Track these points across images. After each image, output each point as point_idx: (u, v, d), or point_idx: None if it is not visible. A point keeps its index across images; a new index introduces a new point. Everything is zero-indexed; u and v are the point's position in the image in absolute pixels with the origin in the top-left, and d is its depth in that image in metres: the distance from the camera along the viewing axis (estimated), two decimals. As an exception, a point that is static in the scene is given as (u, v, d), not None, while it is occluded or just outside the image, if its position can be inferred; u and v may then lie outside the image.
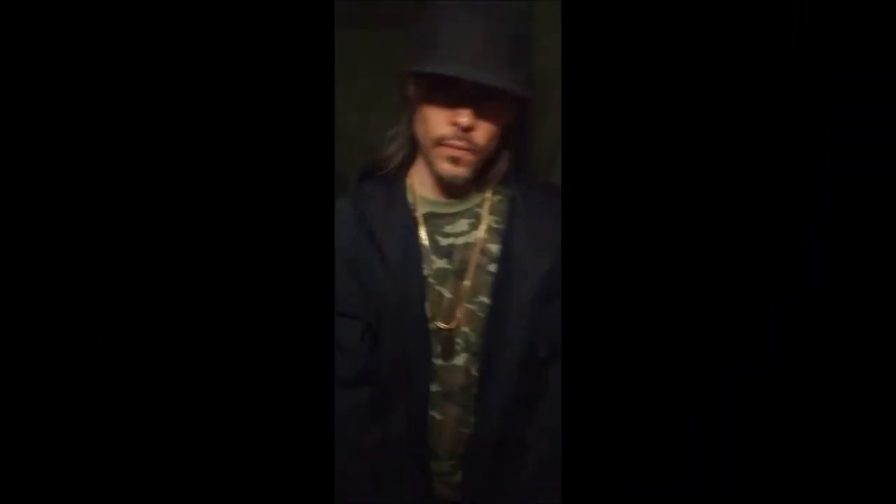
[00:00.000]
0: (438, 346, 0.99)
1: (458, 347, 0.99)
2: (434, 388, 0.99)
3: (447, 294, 0.99)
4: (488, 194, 1.04)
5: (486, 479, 0.99)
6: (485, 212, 1.03)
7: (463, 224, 1.02)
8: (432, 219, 1.02)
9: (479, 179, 1.02)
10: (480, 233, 1.01)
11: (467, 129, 0.93)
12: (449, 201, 1.03)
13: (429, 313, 0.98)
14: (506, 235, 1.01)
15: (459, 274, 1.00)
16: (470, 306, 0.99)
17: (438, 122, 0.95)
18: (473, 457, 0.99)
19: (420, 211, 1.02)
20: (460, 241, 1.01)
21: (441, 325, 0.98)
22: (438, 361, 0.99)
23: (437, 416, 0.99)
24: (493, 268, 1.00)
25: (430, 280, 1.00)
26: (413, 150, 1.03)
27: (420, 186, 1.03)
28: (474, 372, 0.99)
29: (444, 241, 1.01)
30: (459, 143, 0.94)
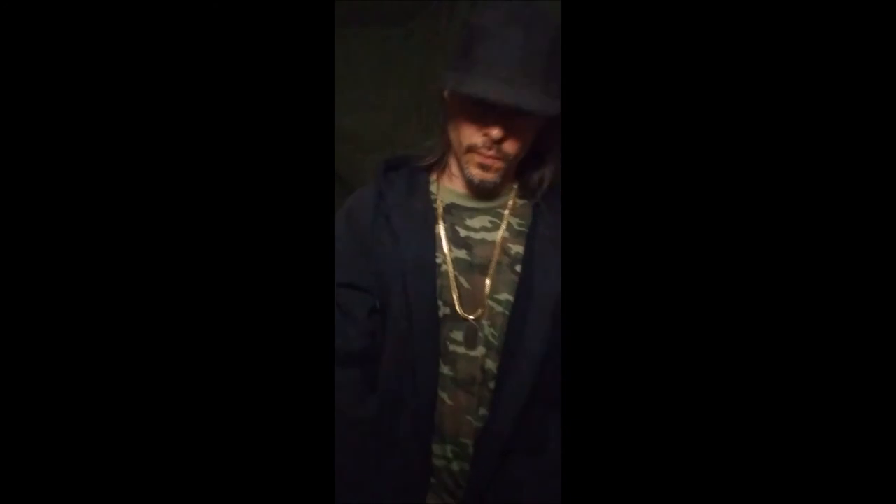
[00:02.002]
0: (460, 334, 1.02)
1: (479, 338, 1.02)
2: (446, 371, 1.02)
3: (465, 285, 1.03)
4: (514, 197, 1.08)
5: (492, 475, 1.01)
6: (507, 212, 1.07)
7: (484, 220, 1.06)
8: (454, 210, 1.07)
9: (506, 184, 1.07)
10: (502, 231, 1.05)
11: (499, 142, 0.98)
12: (474, 198, 1.07)
13: (445, 300, 1.02)
14: (529, 238, 1.05)
15: (481, 269, 1.04)
16: (491, 302, 1.02)
17: (471, 132, 1.00)
18: (482, 451, 1.01)
19: (442, 201, 1.07)
20: (479, 235, 1.05)
21: (465, 314, 1.01)
22: (459, 349, 1.02)
23: (447, 401, 1.02)
24: (518, 267, 1.03)
25: (446, 268, 1.03)
26: (445, 153, 1.08)
27: (447, 180, 1.08)
28: (489, 365, 1.01)
29: (463, 233, 1.05)
30: (490, 153, 0.99)
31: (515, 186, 1.09)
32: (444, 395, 1.02)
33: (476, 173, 1.02)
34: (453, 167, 1.08)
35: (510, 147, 1.00)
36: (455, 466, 1.03)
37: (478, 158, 1.01)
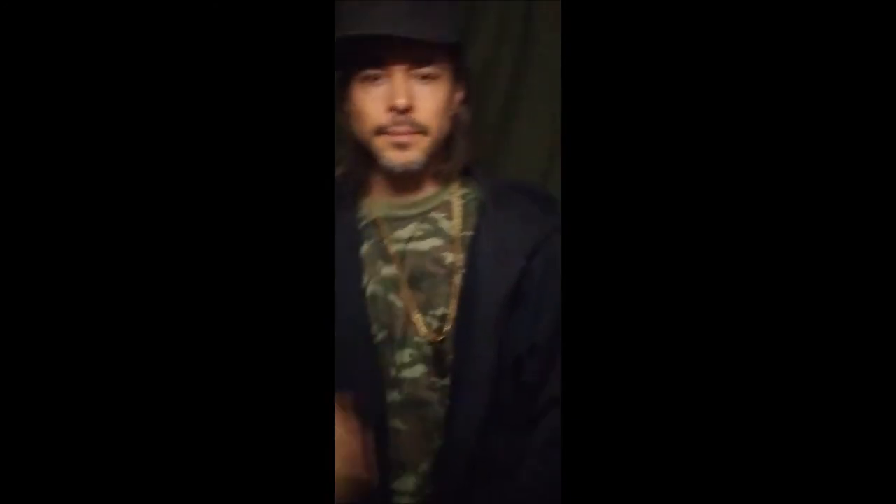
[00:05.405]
0: (404, 355, 0.96)
1: (411, 358, 0.96)
2: (394, 397, 0.95)
3: (398, 303, 0.96)
4: (452, 197, 0.99)
5: (455, 495, 0.95)
6: (442, 217, 0.99)
7: (414, 229, 0.98)
8: (384, 223, 0.98)
9: (437, 173, 0.98)
10: (435, 240, 0.98)
11: (406, 111, 0.90)
12: (405, 202, 0.98)
13: (382, 323, 0.95)
14: (472, 244, 0.96)
15: (413, 283, 0.96)
16: (425, 317, 0.96)
17: (375, 111, 0.91)
18: (443, 471, 0.95)
19: (373, 216, 0.98)
20: (411, 246, 0.97)
21: (429, 338, 0.95)
22: (402, 373, 0.95)
23: (401, 426, 0.95)
24: (457, 278, 0.96)
25: (374, 288, 0.96)
26: (367, 159, 0.97)
27: (377, 193, 0.99)
28: (438, 384, 0.95)
29: (393, 248, 0.97)
30: (402, 128, 0.91)
31: (449, 175, 0.98)
32: (396, 422, 0.94)
33: (394, 156, 0.92)
34: (379, 175, 0.97)
35: (423, 116, 0.91)
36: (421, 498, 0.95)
37: (390, 139, 0.91)
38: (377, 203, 0.99)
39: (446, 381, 0.95)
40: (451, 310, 0.95)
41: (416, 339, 0.95)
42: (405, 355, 0.96)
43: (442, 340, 0.95)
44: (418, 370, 0.96)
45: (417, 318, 0.95)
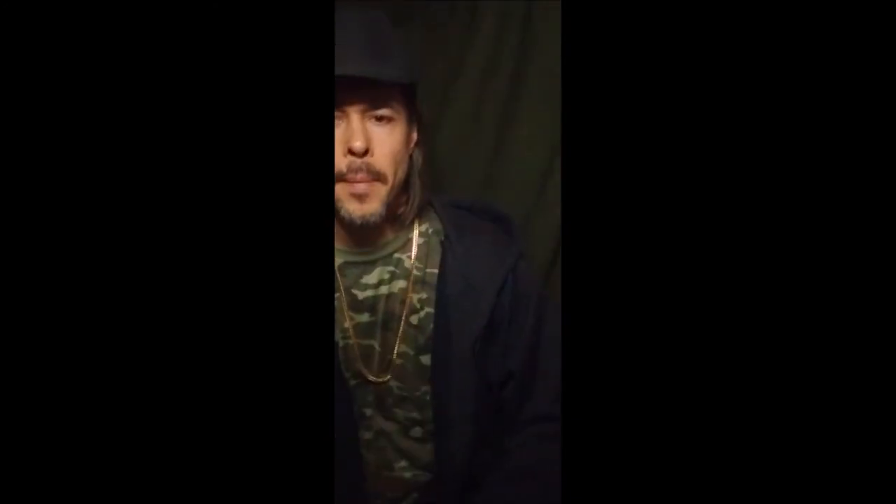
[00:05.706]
0: (372, 398, 0.99)
1: (390, 400, 0.99)
2: (366, 435, 0.99)
3: (377, 347, 0.98)
4: (412, 234, 1.00)
5: None
6: (405, 256, 0.99)
7: (381, 273, 0.99)
8: (347, 269, 0.98)
9: (394, 219, 0.98)
10: (402, 283, 0.98)
11: (363, 153, 0.89)
12: (365, 249, 0.99)
13: (354, 371, 0.98)
14: (439, 283, 0.97)
15: (386, 325, 0.98)
16: (397, 360, 0.98)
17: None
18: (434, 492, 0.99)
19: (335, 264, 0.98)
20: (380, 291, 0.98)
21: (372, 378, 0.98)
22: (370, 411, 0.99)
23: (370, 458, 1.00)
24: (414, 319, 0.97)
25: (351, 337, 0.98)
26: None
27: (335, 240, 0.98)
28: (401, 416, 0.99)
29: (361, 295, 0.98)
30: (360, 176, 0.90)
31: (408, 217, 0.99)
32: (369, 456, 1.00)
33: (353, 209, 0.91)
34: (335, 222, 0.97)
35: (380, 162, 0.90)
36: None
37: (349, 189, 0.90)
38: (336, 250, 0.99)
39: (391, 425, 0.99)
40: (398, 349, 0.98)
41: (371, 378, 0.99)
42: (372, 395, 0.99)
43: (385, 381, 0.98)
44: (372, 407, 1.00)
45: (364, 362, 0.98)
